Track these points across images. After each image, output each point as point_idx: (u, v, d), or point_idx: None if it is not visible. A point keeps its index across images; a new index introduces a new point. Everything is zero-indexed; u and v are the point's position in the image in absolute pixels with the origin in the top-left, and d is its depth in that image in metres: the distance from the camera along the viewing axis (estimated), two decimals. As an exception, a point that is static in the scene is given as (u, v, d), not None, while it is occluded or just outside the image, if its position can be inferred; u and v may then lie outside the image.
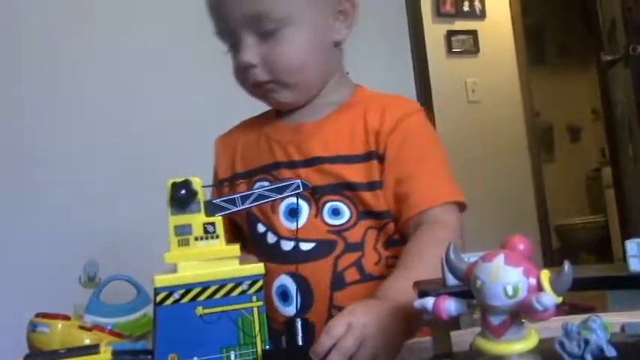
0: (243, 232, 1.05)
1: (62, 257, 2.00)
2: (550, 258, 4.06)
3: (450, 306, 0.54)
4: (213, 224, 0.69)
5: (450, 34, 3.98)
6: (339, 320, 0.70)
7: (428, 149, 0.99)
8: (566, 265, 0.50)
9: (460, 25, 4.02)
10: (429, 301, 0.55)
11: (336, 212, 0.96)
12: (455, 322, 0.59)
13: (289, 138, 1.01)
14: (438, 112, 2.98)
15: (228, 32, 0.97)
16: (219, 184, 1.07)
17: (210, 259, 0.69)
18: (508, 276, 0.51)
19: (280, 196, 0.70)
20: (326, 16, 0.99)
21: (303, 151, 0.99)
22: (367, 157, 0.96)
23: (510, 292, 0.51)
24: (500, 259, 0.52)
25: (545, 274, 0.51)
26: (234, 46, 0.97)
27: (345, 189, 0.95)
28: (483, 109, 3.98)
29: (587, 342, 0.51)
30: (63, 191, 2.26)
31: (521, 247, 0.54)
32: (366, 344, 0.68)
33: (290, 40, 0.94)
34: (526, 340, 0.52)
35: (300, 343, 0.67)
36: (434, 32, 3.76)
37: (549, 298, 0.49)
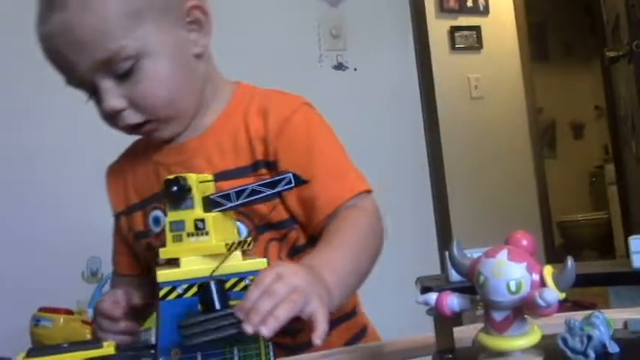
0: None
1: (65, 253, 2.00)
2: (552, 254, 4.06)
3: (452, 302, 0.54)
4: (203, 221, 0.69)
5: (454, 29, 3.97)
6: (267, 272, 0.67)
7: (322, 145, 0.92)
8: (569, 261, 0.50)
9: (463, 20, 4.01)
10: (432, 297, 0.55)
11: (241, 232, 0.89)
12: (457, 319, 0.59)
13: (174, 159, 0.95)
14: (440, 108, 2.98)
15: (81, 81, 0.89)
16: (115, 219, 1.03)
17: (205, 255, 0.69)
18: (511, 272, 0.51)
19: (273, 191, 0.70)
20: (178, 34, 0.91)
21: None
22: (254, 167, 0.91)
23: (513, 287, 0.50)
24: (503, 254, 0.52)
25: (548, 270, 0.51)
26: (93, 93, 0.90)
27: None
28: (486, 105, 3.98)
29: (590, 338, 0.51)
30: (65, 187, 2.26)
31: (524, 243, 0.54)
32: (298, 290, 0.65)
33: (150, 75, 0.87)
34: (529, 336, 0.52)
35: (218, 306, 0.64)
36: (437, 28, 3.76)
37: (552, 294, 0.49)
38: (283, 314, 0.63)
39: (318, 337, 0.64)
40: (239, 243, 0.70)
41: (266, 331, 0.61)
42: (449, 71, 3.74)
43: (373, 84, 2.67)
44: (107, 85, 0.87)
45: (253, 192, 0.70)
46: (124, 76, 0.87)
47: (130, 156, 1.04)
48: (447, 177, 2.99)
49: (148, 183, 0.97)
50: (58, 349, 0.65)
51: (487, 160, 3.84)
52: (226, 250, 0.68)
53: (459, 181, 3.37)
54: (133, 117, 0.89)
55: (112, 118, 0.90)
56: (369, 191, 0.91)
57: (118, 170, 1.04)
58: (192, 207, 0.70)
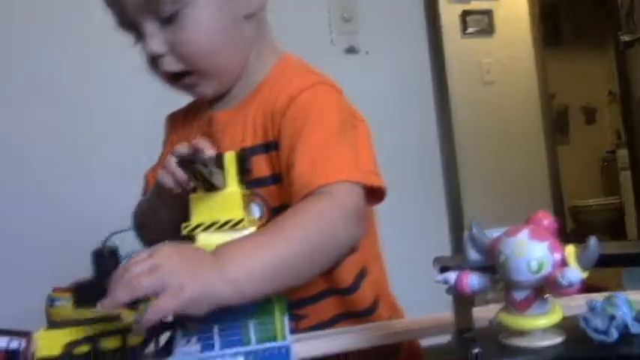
0: None
1: (80, 233, 2.02)
2: (564, 239, 4.03)
3: (473, 280, 0.54)
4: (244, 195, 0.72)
5: (465, 14, 3.93)
6: (145, 250, 0.65)
7: (313, 126, 0.84)
8: (592, 240, 0.50)
9: (475, 4, 3.97)
10: (452, 276, 0.55)
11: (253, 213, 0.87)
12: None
13: (205, 131, 0.95)
14: (452, 92, 2.96)
15: (128, 23, 0.89)
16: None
17: (225, 230, 0.69)
18: (532, 251, 0.51)
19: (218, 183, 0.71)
20: None
21: (215, 147, 0.88)
22: (266, 147, 0.88)
23: (535, 267, 0.50)
24: (524, 234, 0.51)
25: (570, 250, 0.51)
26: (139, 36, 0.89)
27: (254, 186, 0.84)
28: (498, 90, 3.95)
29: (612, 318, 0.51)
30: (83, 167, 2.28)
31: (545, 222, 0.53)
32: (156, 273, 0.62)
33: (193, 23, 0.86)
34: (550, 316, 0.52)
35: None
36: (449, 12, 3.72)
37: (575, 273, 0.49)
38: (120, 294, 0.61)
39: (136, 322, 0.63)
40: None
41: (99, 307, 0.60)
42: (461, 55, 3.71)
43: (385, 68, 2.65)
44: (151, 28, 0.87)
45: (210, 171, 0.69)
46: (168, 21, 0.86)
47: (185, 112, 1.04)
48: (458, 162, 2.98)
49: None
50: (77, 321, 0.66)
51: (499, 145, 3.82)
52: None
53: (470, 166, 3.36)
54: (172, 64, 0.89)
55: (153, 63, 0.90)
56: (370, 187, 0.81)
57: (173, 120, 1.06)
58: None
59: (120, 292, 0.61)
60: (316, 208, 0.75)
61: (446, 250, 2.68)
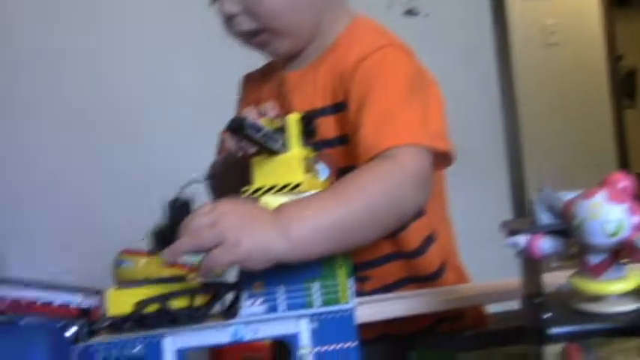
0: None
1: (143, 196, 2.08)
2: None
3: (544, 244, 0.52)
4: (306, 159, 0.71)
5: (529, -27, 3.80)
6: (209, 203, 0.67)
7: (381, 88, 0.83)
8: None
9: (539, -37, 3.83)
10: (522, 239, 0.53)
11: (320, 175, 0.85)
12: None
13: (277, 92, 0.95)
14: (514, 55, 2.88)
15: None
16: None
17: (284, 194, 0.69)
18: (609, 213, 0.49)
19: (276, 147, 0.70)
20: None
21: (285, 107, 0.90)
22: (335, 108, 0.88)
23: (611, 230, 0.48)
24: (601, 195, 0.49)
25: (650, 213, 0.49)
26: None
27: (322, 147, 0.83)
28: (562, 52, 3.81)
29: (694, 284, 0.48)
30: (145, 129, 2.33)
31: (622, 184, 0.51)
32: (216, 226, 0.63)
33: None
34: (626, 281, 0.50)
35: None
36: (511, -28, 3.60)
37: (656, 237, 0.46)
38: (182, 244, 0.63)
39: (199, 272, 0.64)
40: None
41: (163, 255, 0.64)
42: (523, 17, 3.60)
43: (445, 30, 2.59)
44: None
45: (265, 136, 0.68)
46: None
47: (260, 73, 1.05)
48: (520, 126, 2.91)
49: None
50: (145, 282, 0.68)
51: (562, 109, 3.70)
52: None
53: (533, 131, 3.27)
54: (245, 23, 0.90)
55: (228, 22, 0.91)
56: (439, 152, 0.80)
57: (248, 81, 1.06)
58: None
59: (182, 242, 0.63)
60: (380, 171, 0.74)
61: (506, 216, 2.63)
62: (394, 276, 0.92)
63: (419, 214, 0.89)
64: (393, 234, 0.88)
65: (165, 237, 0.66)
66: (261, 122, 0.72)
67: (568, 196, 0.53)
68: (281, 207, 0.67)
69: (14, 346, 0.42)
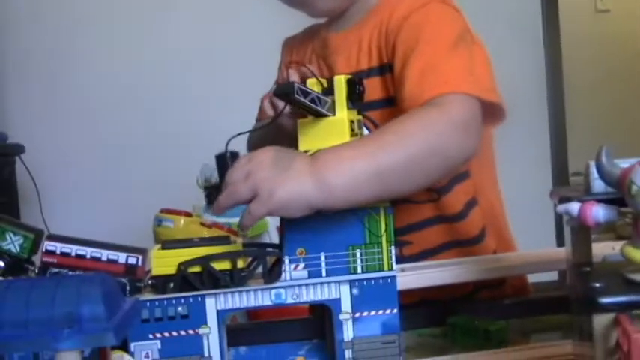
0: None
1: (181, 160, 2.11)
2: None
3: (598, 212, 0.51)
4: (353, 122, 0.70)
5: None
6: (244, 156, 0.68)
7: (425, 42, 0.80)
8: None
9: None
10: (575, 207, 0.52)
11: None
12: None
13: (320, 52, 0.94)
14: (563, 23, 2.79)
15: None
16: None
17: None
18: (669, 181, 0.47)
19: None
20: None
21: (329, 68, 0.90)
22: (381, 69, 0.86)
23: (670, 198, 0.46)
24: (660, 163, 0.47)
25: None
26: None
27: (367, 109, 0.80)
28: (613, 19, 3.67)
29: None
30: (181, 100, 2.35)
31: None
32: (250, 178, 0.63)
33: None
34: (682, 252, 0.48)
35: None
36: None
37: None
38: (223, 200, 0.64)
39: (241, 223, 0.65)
40: None
41: (211, 211, 0.63)
42: (573, -18, 3.48)
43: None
44: None
45: (313, 100, 0.67)
46: None
47: (302, 36, 1.03)
48: (565, 98, 2.83)
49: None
50: (189, 242, 0.68)
51: (612, 81, 3.58)
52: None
53: (579, 103, 3.19)
54: None
55: None
56: (487, 102, 0.77)
57: (289, 44, 1.04)
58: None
59: (222, 198, 0.64)
60: (422, 117, 0.71)
61: (547, 185, 2.59)
62: (435, 241, 0.91)
63: (463, 176, 0.88)
64: (437, 197, 0.87)
65: (216, 190, 0.67)
66: (308, 85, 0.71)
67: (624, 164, 0.51)
68: (318, 153, 0.66)
69: (67, 293, 0.42)
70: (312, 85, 0.71)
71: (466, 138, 0.71)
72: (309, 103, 0.66)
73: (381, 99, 0.86)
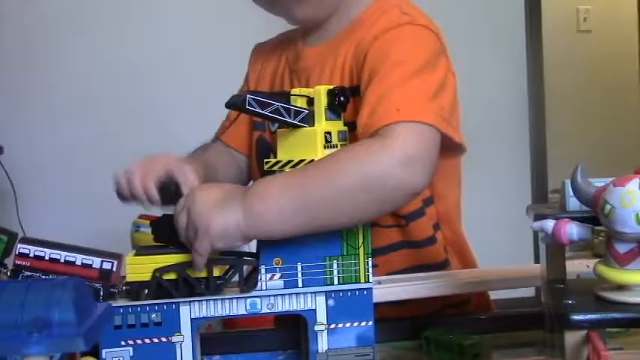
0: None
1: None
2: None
3: (572, 230, 0.51)
4: (330, 133, 0.70)
5: (563, -44, 3.72)
6: (191, 190, 0.71)
7: (386, 68, 0.76)
8: None
9: (574, -55, 3.74)
10: (549, 224, 0.52)
11: None
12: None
13: (293, 66, 0.91)
14: (545, 41, 2.83)
15: None
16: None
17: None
18: (642, 202, 0.47)
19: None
20: None
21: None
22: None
23: (643, 219, 0.47)
24: (634, 184, 0.48)
25: (684, 204, 0.47)
26: None
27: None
28: (595, 39, 3.73)
29: None
30: (161, 103, 2.34)
31: (656, 173, 0.50)
32: (190, 212, 0.66)
33: None
34: (654, 272, 0.49)
35: None
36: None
37: (689, 227, 0.45)
38: (196, 256, 0.66)
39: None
40: None
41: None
42: (556, 1, 3.52)
43: (477, 12, 2.56)
44: None
45: (276, 111, 0.67)
46: None
47: (274, 44, 1.00)
48: (547, 113, 2.86)
49: (272, 80, 0.95)
50: (165, 249, 0.68)
51: (592, 98, 3.62)
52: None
53: (559, 119, 3.22)
54: None
55: None
56: (426, 123, 0.71)
57: (262, 51, 1.00)
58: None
59: (194, 257, 0.66)
60: (359, 152, 0.68)
61: (527, 202, 2.61)
62: (400, 265, 0.88)
63: (428, 202, 0.87)
64: (405, 223, 0.86)
65: (165, 226, 0.70)
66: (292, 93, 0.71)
67: (599, 183, 0.52)
68: (253, 185, 0.68)
69: (38, 297, 0.42)
70: (299, 93, 0.71)
71: (408, 173, 0.67)
72: (267, 114, 0.66)
73: (351, 122, 0.77)
